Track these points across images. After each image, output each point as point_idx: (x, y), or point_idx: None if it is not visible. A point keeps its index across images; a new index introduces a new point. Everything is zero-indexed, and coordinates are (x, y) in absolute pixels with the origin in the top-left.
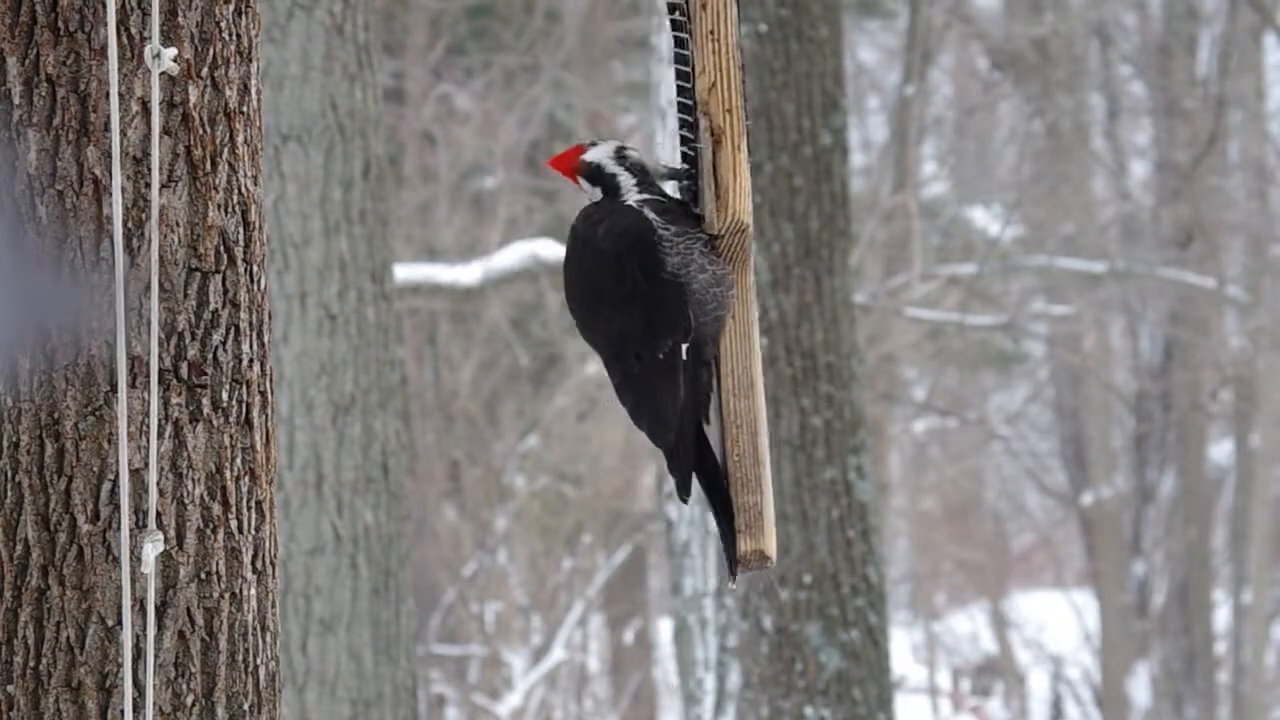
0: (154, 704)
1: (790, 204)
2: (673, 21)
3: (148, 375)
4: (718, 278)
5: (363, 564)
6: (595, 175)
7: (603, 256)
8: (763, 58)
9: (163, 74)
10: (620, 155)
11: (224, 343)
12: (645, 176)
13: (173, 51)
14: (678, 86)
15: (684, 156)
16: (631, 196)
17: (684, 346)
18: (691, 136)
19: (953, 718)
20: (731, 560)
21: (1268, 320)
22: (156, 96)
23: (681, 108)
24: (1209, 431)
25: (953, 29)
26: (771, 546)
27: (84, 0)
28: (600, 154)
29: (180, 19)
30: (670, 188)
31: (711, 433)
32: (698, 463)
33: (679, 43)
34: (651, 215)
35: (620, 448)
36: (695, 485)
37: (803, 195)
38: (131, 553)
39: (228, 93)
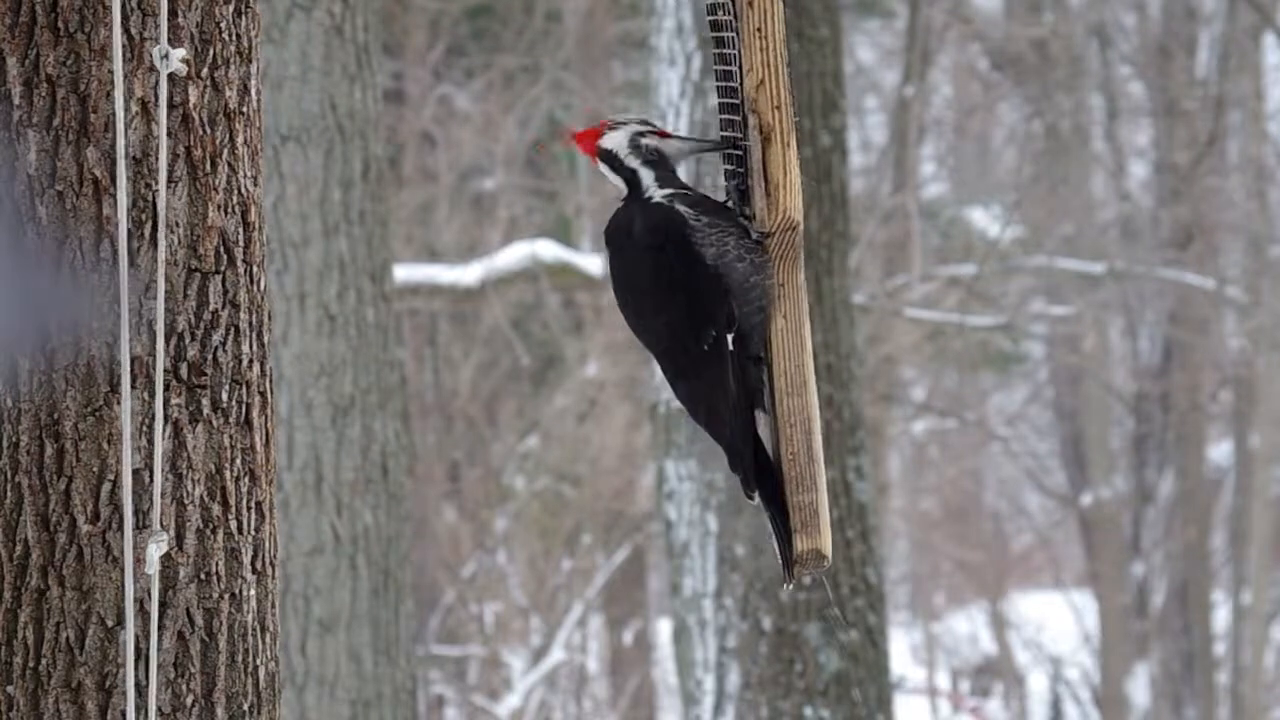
0: (153, 704)
1: None
2: (713, 23)
3: (148, 376)
4: (756, 266)
5: (362, 565)
6: (613, 164)
7: (642, 253)
8: None
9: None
10: (635, 145)
11: (223, 343)
12: (663, 167)
13: (181, 52)
14: (719, 88)
15: (731, 157)
16: (655, 193)
17: (729, 337)
18: (739, 135)
19: (952, 718)
20: (787, 560)
21: (1267, 321)
22: (164, 97)
23: (724, 108)
24: (1208, 432)
25: (952, 29)
26: (827, 545)
27: (84, 0)
28: (616, 142)
29: (180, 19)
30: (687, 171)
31: (765, 430)
32: (756, 460)
33: (720, 43)
34: (683, 208)
35: (620, 449)
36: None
37: (802, 196)
38: (134, 553)
39: (227, 93)
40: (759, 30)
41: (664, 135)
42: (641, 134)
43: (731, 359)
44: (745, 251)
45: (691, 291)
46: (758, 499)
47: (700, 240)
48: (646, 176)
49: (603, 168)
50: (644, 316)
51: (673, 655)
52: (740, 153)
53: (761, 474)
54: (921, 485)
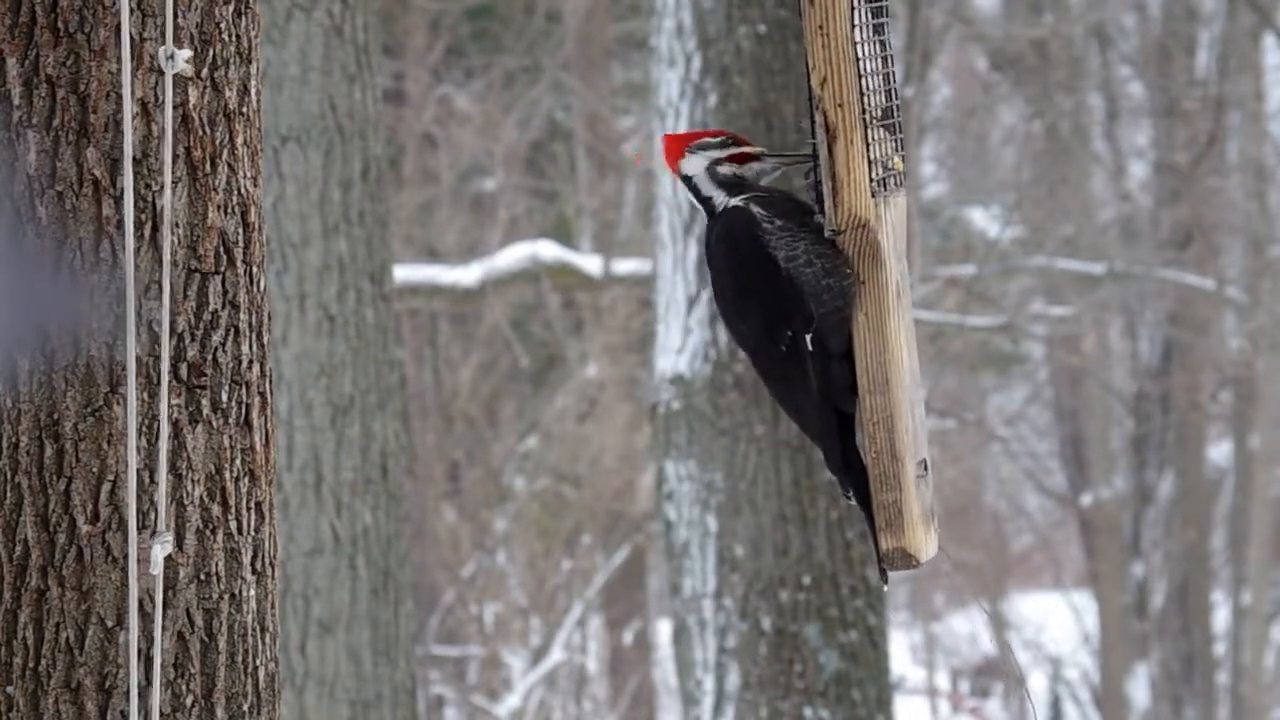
0: (154, 705)
1: None
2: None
3: (148, 376)
4: (829, 270)
5: (362, 565)
6: (690, 187)
7: (720, 258)
8: (762, 59)
9: (164, 75)
10: (711, 173)
11: (223, 344)
12: (738, 186)
13: (186, 53)
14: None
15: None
16: (730, 202)
17: (807, 337)
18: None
19: (952, 718)
20: (879, 559)
21: (1267, 321)
22: (169, 97)
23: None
24: (1208, 432)
25: (953, 30)
26: (916, 544)
27: (84, 1)
28: (694, 168)
29: (180, 20)
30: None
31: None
32: (844, 460)
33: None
34: (756, 209)
35: (620, 449)
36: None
37: (801, 196)
38: (136, 554)
39: (227, 94)
40: (821, 28)
41: (745, 159)
42: (719, 162)
43: (811, 359)
44: (816, 256)
45: (767, 293)
46: (853, 500)
47: (772, 242)
48: (719, 196)
49: (679, 182)
50: (732, 321)
51: (672, 655)
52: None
53: (853, 473)
54: None
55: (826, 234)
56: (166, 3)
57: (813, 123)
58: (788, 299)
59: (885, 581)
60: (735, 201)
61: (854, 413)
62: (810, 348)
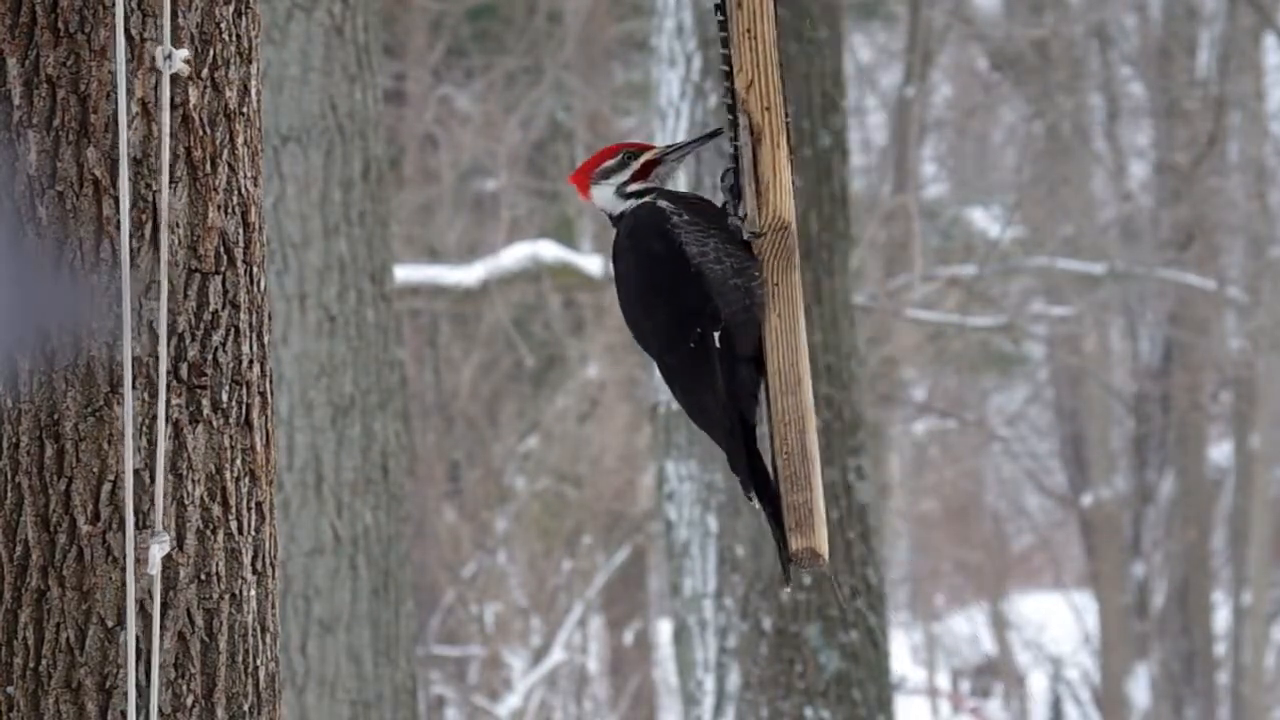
0: (154, 705)
1: None
2: (720, 23)
3: (148, 376)
4: (737, 270)
5: (362, 565)
6: (605, 210)
7: (627, 254)
8: None
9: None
10: (621, 194)
11: (224, 344)
12: (648, 194)
13: (184, 53)
14: (725, 88)
15: (731, 156)
16: (639, 201)
17: (715, 335)
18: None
19: (952, 719)
20: (785, 560)
21: (1267, 321)
22: (167, 97)
23: (730, 108)
24: (1208, 433)
25: (953, 30)
26: (823, 544)
27: (84, 1)
28: (605, 195)
29: (180, 20)
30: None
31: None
32: (749, 461)
33: (725, 43)
34: (664, 204)
35: (620, 449)
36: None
37: (802, 197)
38: (136, 554)
39: (228, 94)
40: (748, 31)
41: (649, 170)
42: (626, 183)
43: (719, 357)
44: (725, 255)
45: (676, 288)
46: (756, 501)
47: (682, 236)
48: (630, 205)
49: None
50: (639, 321)
51: (673, 655)
52: (734, 152)
53: (758, 474)
54: (922, 486)
55: (746, 236)
56: (164, 2)
57: (735, 125)
58: (697, 295)
59: (788, 582)
60: (642, 200)
61: (755, 419)
62: (718, 345)
